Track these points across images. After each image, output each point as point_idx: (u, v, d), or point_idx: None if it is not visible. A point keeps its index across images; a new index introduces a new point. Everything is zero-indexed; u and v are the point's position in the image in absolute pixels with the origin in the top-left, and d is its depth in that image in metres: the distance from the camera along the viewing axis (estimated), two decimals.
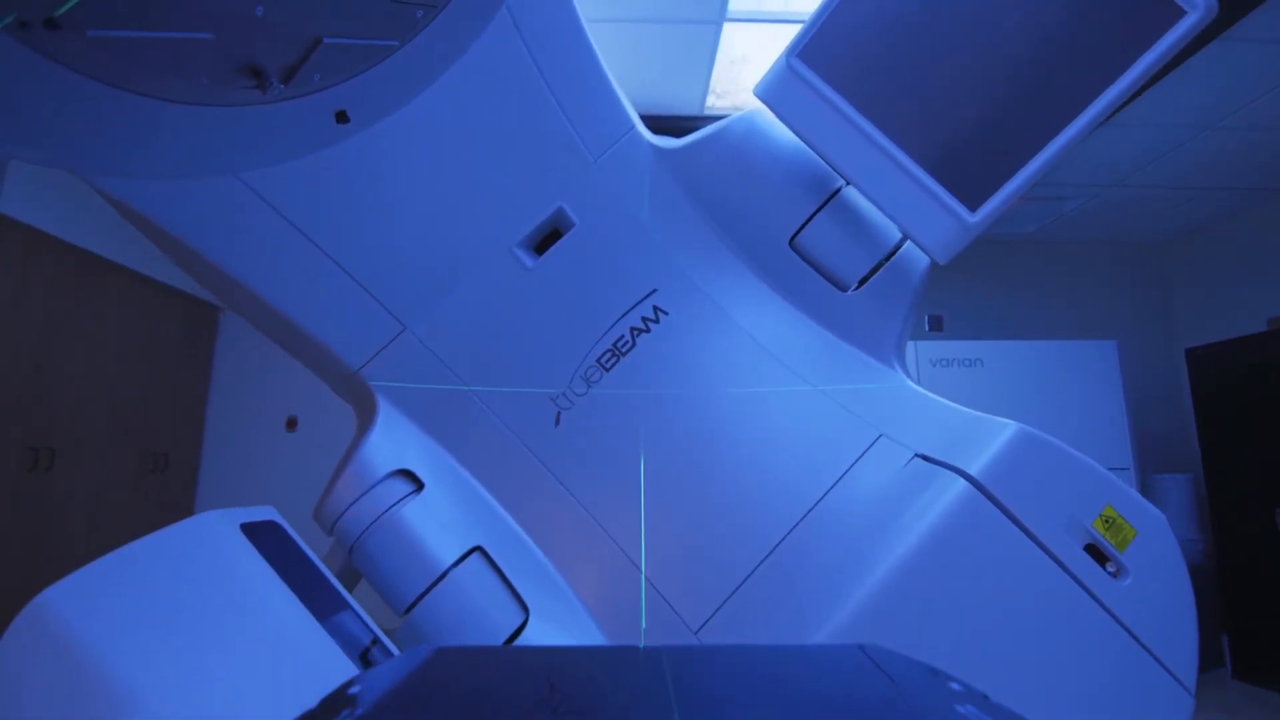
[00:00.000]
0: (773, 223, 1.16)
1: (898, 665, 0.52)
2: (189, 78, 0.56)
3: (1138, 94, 2.16)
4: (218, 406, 4.41)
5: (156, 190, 0.76)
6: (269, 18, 0.56)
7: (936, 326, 4.11)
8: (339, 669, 0.76)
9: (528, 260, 1.10)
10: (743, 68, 2.91)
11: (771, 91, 1.11)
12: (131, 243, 3.82)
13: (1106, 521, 0.90)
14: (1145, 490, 4.16)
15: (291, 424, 4.35)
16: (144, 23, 0.50)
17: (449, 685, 0.51)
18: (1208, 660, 3.77)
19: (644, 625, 0.96)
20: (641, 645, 0.90)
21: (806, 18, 2.69)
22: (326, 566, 0.91)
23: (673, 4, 2.48)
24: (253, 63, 0.60)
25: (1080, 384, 3.59)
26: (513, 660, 0.60)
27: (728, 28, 2.62)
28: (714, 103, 3.15)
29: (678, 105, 3.11)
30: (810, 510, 0.99)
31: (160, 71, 0.54)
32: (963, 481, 0.90)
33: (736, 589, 0.96)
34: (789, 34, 2.69)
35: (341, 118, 0.75)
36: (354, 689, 0.46)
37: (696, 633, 0.95)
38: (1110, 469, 3.00)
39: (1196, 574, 3.72)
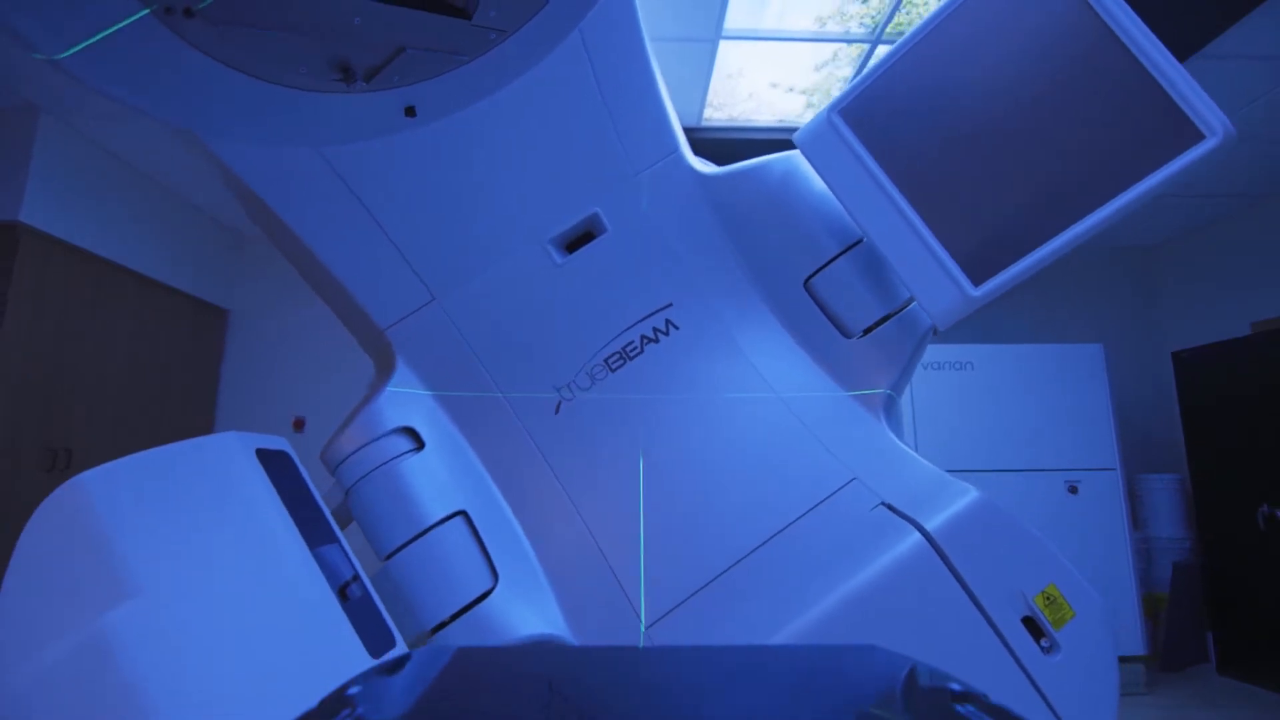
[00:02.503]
0: (792, 260, 1.20)
1: (899, 665, 0.53)
2: (291, 68, 0.68)
3: None
4: (226, 407, 4.50)
5: (249, 154, 0.90)
6: (363, 28, 0.67)
7: None
8: (320, 595, 0.83)
9: (557, 256, 1.15)
10: (738, 81, 3.00)
11: (809, 140, 1.15)
12: (144, 249, 3.91)
13: (1048, 599, 0.92)
14: (1133, 491, 4.24)
15: (299, 425, 4.44)
16: (260, 20, 0.63)
17: (448, 686, 0.52)
18: (1193, 656, 3.85)
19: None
20: (641, 645, 0.96)
21: (799, 34, 2.77)
22: (325, 503, 0.98)
23: (673, 23, 2.56)
24: (344, 62, 0.71)
25: (1068, 387, 3.65)
26: (513, 661, 0.61)
27: (723, 45, 2.71)
28: (711, 115, 3.24)
29: (677, 117, 3.20)
30: (774, 536, 1.03)
31: (269, 60, 0.66)
32: (918, 535, 0.94)
33: (691, 595, 1.00)
34: (781, 50, 2.79)
35: (410, 112, 0.83)
36: (353, 689, 0.47)
37: (648, 629, 1.00)
38: (1097, 470, 3.09)
39: (1183, 572, 3.82)
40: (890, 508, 1.00)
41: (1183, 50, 2.75)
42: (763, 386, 1.14)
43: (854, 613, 0.89)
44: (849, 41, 2.74)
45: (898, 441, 1.11)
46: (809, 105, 3.19)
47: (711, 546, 1.03)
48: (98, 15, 0.56)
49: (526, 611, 1.01)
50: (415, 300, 1.11)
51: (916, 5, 2.56)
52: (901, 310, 1.16)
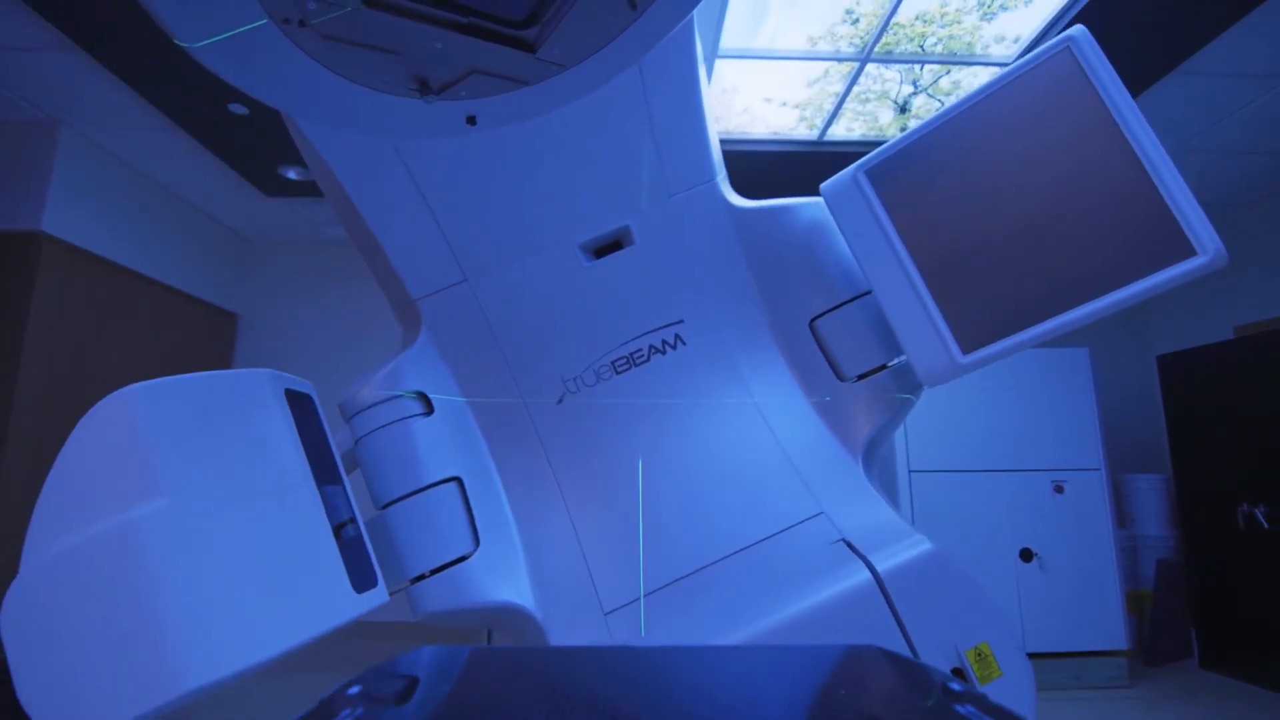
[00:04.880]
0: (802, 300, 1.25)
1: (900, 665, 0.54)
2: (377, 76, 0.80)
3: None
4: None
5: (334, 137, 1.02)
6: (442, 51, 0.79)
7: None
8: (318, 528, 0.91)
9: (585, 260, 1.22)
10: (734, 96, 3.11)
11: (834, 193, 1.21)
12: (159, 256, 4.03)
13: (979, 655, 0.94)
14: (1119, 490, 4.34)
15: None
16: (359, 38, 0.75)
17: (449, 686, 0.53)
18: (1177, 651, 3.94)
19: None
20: (642, 641, 1.02)
21: (791, 53, 2.88)
22: (336, 448, 1.07)
23: None
24: (422, 76, 0.82)
25: (1055, 390, 3.74)
26: (514, 661, 0.61)
27: (719, 63, 2.82)
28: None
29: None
30: (738, 551, 1.09)
31: (360, 68, 0.79)
32: (868, 573, 0.99)
33: (651, 592, 1.07)
34: (774, 68, 2.89)
35: (471, 121, 0.92)
36: (352, 689, 0.47)
37: (606, 615, 1.07)
38: (1083, 470, 3.19)
39: (1167, 569, 3.91)
40: (849, 544, 1.06)
41: (1162, 66, 2.85)
42: (754, 412, 1.20)
43: (795, 634, 0.94)
44: (839, 60, 2.85)
45: (869, 485, 1.16)
46: (801, 119, 3.30)
47: (678, 551, 1.10)
48: (228, 17, 0.68)
49: (499, 579, 1.09)
50: (448, 278, 1.20)
51: (903, 27, 2.67)
52: (895, 364, 1.21)
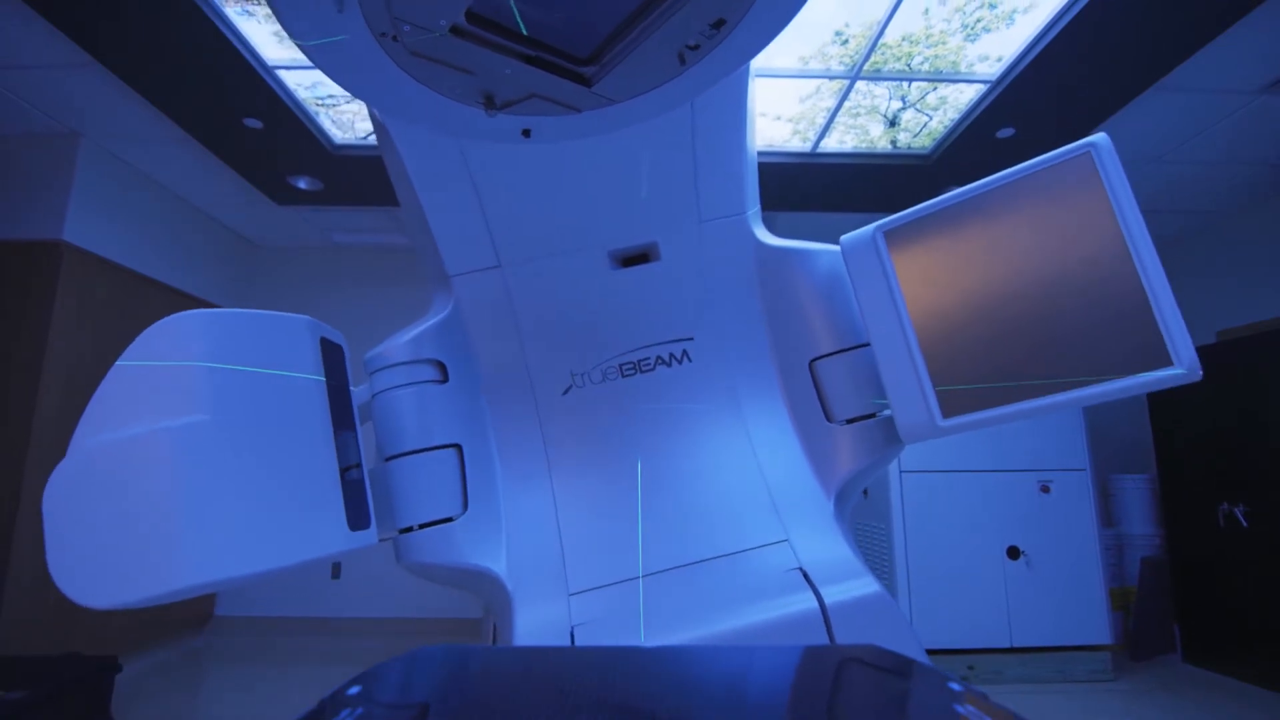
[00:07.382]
0: (807, 339, 1.31)
1: (900, 665, 0.53)
2: (452, 88, 0.92)
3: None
4: None
5: (409, 131, 1.14)
6: (511, 76, 0.89)
7: None
8: (328, 468, 1.00)
9: (610, 266, 1.30)
10: None
11: (850, 246, 1.28)
12: (172, 262, 4.15)
13: None
14: (1106, 490, 4.45)
15: None
16: (441, 57, 0.86)
17: (449, 686, 0.53)
18: (1161, 646, 4.05)
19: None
20: (642, 643, 1.06)
21: (784, 71, 2.97)
22: (354, 397, 1.16)
23: None
24: (489, 92, 0.92)
25: None
26: (515, 660, 0.61)
27: None
28: None
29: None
30: (700, 561, 1.16)
31: (439, 80, 0.90)
32: (815, 603, 1.04)
33: (610, 584, 1.14)
34: (768, 85, 3.00)
35: (526, 134, 1.01)
36: (352, 689, 0.47)
37: (570, 596, 1.14)
38: (1068, 470, 3.28)
39: (1151, 566, 4.02)
40: (804, 574, 1.11)
41: (1144, 80, 2.96)
42: (743, 436, 1.29)
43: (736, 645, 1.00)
44: (830, 78, 2.96)
45: (835, 523, 1.23)
46: (795, 132, 3.41)
47: (648, 550, 1.17)
48: (337, 27, 0.80)
49: (478, 545, 1.19)
50: (484, 262, 1.29)
51: (890, 48, 2.78)
52: (882, 416, 1.27)
